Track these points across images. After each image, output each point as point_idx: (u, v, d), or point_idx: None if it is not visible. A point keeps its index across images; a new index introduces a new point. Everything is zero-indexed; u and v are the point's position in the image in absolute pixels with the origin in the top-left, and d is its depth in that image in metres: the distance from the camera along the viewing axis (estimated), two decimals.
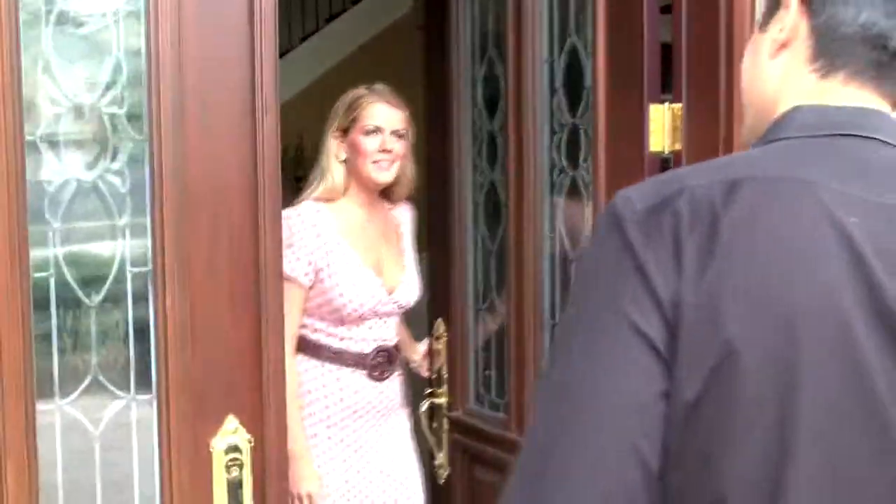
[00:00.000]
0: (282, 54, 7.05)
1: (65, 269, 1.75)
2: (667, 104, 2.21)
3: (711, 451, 0.83)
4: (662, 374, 0.83)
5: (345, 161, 2.62)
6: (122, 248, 1.80)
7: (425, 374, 3.00)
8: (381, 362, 2.63)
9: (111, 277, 1.79)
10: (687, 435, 0.83)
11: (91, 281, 1.78)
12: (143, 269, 1.80)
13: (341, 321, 2.56)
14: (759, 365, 0.82)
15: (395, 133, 2.61)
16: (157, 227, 1.78)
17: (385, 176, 2.60)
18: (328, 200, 2.61)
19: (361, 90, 2.64)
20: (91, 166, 1.78)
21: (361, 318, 2.57)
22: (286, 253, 2.45)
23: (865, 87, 0.93)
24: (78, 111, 1.76)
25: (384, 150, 2.57)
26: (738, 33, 2.11)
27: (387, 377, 2.65)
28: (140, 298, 1.81)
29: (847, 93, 0.93)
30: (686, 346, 0.83)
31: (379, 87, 2.64)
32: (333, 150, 2.62)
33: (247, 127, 1.82)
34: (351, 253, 2.56)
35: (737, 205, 0.84)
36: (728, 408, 0.82)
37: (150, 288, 1.80)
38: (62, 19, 1.73)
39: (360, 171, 2.60)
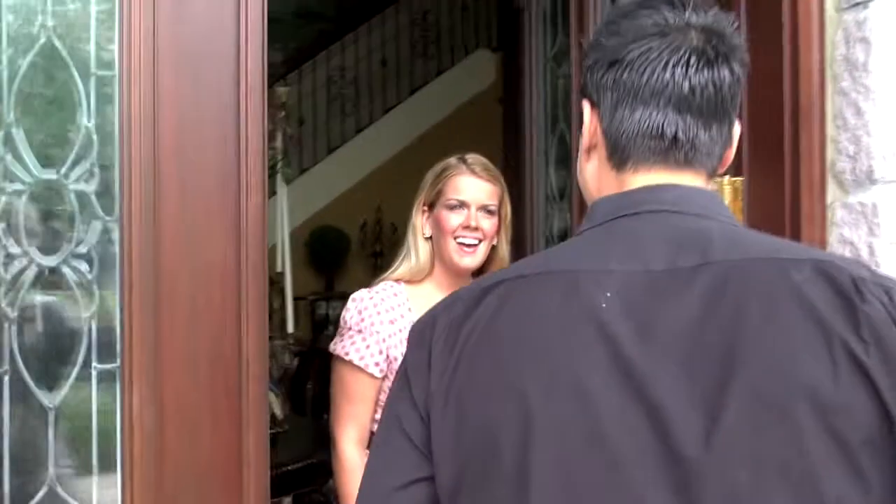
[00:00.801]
0: (362, 128, 6.99)
1: (21, 365, 1.56)
2: (727, 178, 1.94)
3: None
4: (423, 463, 1.00)
5: (430, 238, 2.32)
6: (87, 341, 1.59)
7: None
8: None
9: (74, 375, 1.59)
10: None
11: (51, 378, 1.58)
12: (111, 365, 1.59)
13: None
14: (500, 440, 0.94)
15: (484, 209, 2.27)
16: (126, 318, 1.57)
17: (469, 260, 2.26)
18: (410, 282, 2.31)
19: (451, 160, 2.33)
20: (54, 250, 1.58)
21: None
22: (354, 339, 2.21)
23: (655, 170, 1.04)
24: (41, 188, 1.58)
25: (468, 227, 2.25)
26: (805, 101, 1.84)
27: None
28: (106, 398, 1.59)
29: (640, 179, 1.04)
30: (437, 437, 0.98)
31: (471, 157, 2.33)
32: (419, 225, 2.33)
33: (229, 207, 1.61)
34: None
35: (480, 309, 0.99)
36: (481, 483, 0.95)
37: (117, 387, 1.58)
38: (27, 85, 1.56)
39: (443, 251, 2.29)
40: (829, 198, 1.88)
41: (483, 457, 0.95)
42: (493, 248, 2.33)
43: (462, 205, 2.26)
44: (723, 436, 0.88)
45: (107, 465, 1.59)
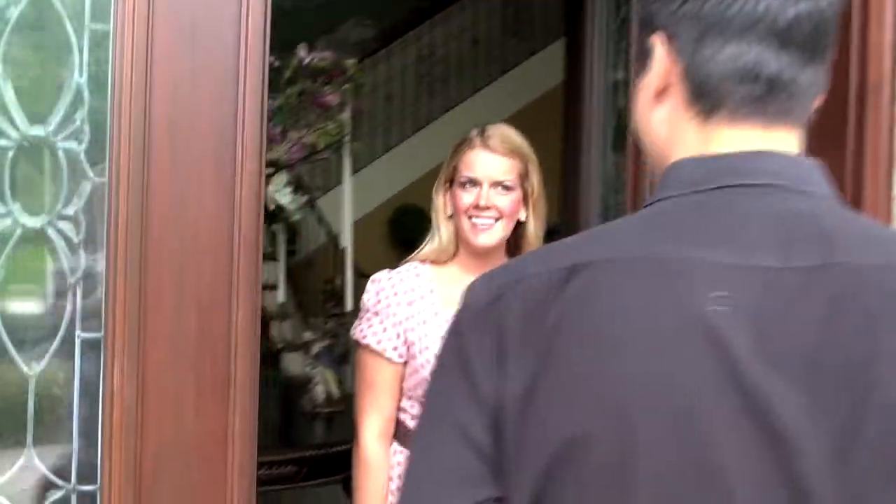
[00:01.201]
0: (450, 108, 6.80)
1: (2, 330, 1.49)
2: None
3: None
4: (489, 479, 0.82)
5: (451, 217, 2.18)
6: (72, 308, 1.52)
7: None
8: None
9: (56, 343, 1.51)
10: None
11: (32, 345, 1.51)
12: (96, 335, 1.51)
13: None
14: (591, 459, 0.79)
15: (499, 185, 2.11)
16: (111, 285, 1.49)
17: (484, 238, 2.11)
18: (435, 262, 2.19)
19: (472, 132, 2.19)
20: (40, 210, 1.51)
21: None
22: (371, 321, 2.11)
23: (749, 123, 0.86)
24: (29, 145, 1.50)
25: (478, 206, 2.10)
26: (874, 80, 1.64)
27: None
28: (90, 369, 1.52)
29: (731, 135, 0.87)
30: (513, 448, 0.81)
31: (491, 129, 2.16)
32: (441, 204, 2.20)
33: (224, 174, 1.51)
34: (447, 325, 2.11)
35: (567, 294, 0.81)
36: None
37: (101, 358, 1.51)
38: (17, 37, 1.48)
39: (461, 232, 2.16)
40: None
41: (571, 478, 0.79)
42: (522, 225, 2.18)
43: (473, 182, 2.11)
44: (856, 478, 0.77)
45: (87, 439, 1.52)
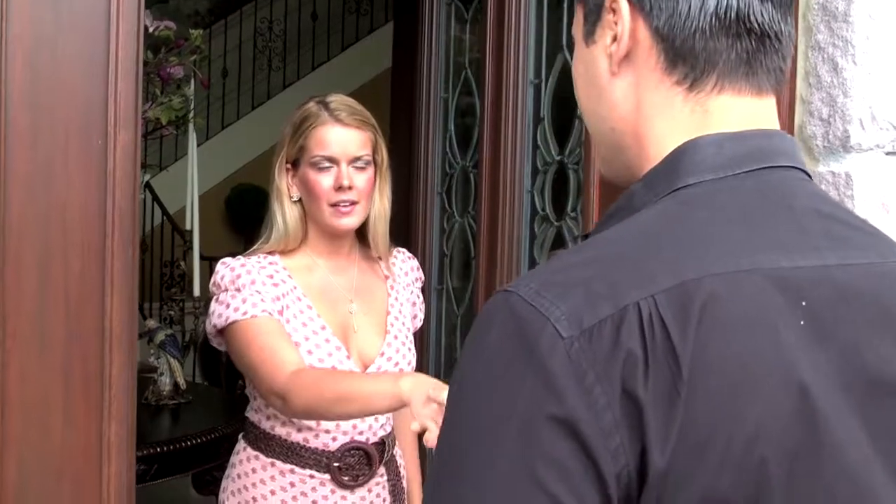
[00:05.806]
0: (289, 84, 6.55)
1: None
2: None
3: None
4: None
5: (299, 201, 1.99)
6: None
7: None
8: (351, 464, 1.95)
9: None
10: None
11: None
12: None
13: None
14: None
15: (357, 161, 1.94)
16: None
17: (347, 221, 1.94)
18: (283, 252, 1.98)
19: (311, 106, 1.96)
20: None
21: None
22: (237, 296, 1.86)
23: (742, 91, 0.78)
24: None
25: (341, 188, 1.92)
26: None
27: (362, 483, 1.96)
28: None
29: (725, 106, 0.78)
30: None
31: (334, 101, 1.95)
32: (284, 188, 1.98)
33: (94, 148, 1.33)
34: (311, 312, 1.93)
35: (693, 325, 0.67)
36: None
37: None
38: None
39: (316, 216, 1.96)
40: None
41: None
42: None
43: (331, 161, 1.93)
44: None
45: None
